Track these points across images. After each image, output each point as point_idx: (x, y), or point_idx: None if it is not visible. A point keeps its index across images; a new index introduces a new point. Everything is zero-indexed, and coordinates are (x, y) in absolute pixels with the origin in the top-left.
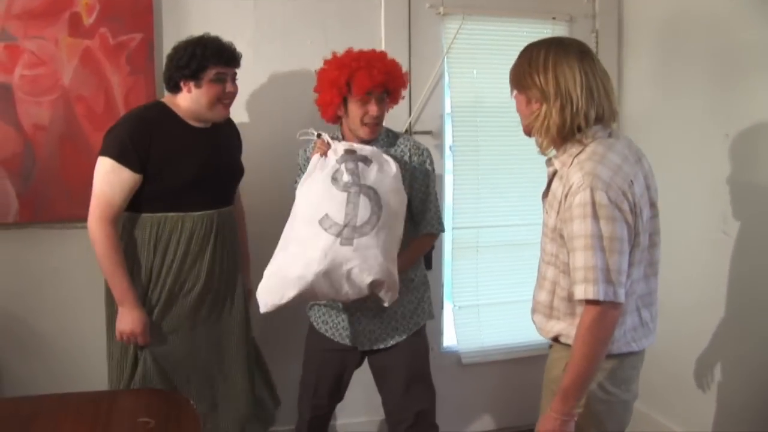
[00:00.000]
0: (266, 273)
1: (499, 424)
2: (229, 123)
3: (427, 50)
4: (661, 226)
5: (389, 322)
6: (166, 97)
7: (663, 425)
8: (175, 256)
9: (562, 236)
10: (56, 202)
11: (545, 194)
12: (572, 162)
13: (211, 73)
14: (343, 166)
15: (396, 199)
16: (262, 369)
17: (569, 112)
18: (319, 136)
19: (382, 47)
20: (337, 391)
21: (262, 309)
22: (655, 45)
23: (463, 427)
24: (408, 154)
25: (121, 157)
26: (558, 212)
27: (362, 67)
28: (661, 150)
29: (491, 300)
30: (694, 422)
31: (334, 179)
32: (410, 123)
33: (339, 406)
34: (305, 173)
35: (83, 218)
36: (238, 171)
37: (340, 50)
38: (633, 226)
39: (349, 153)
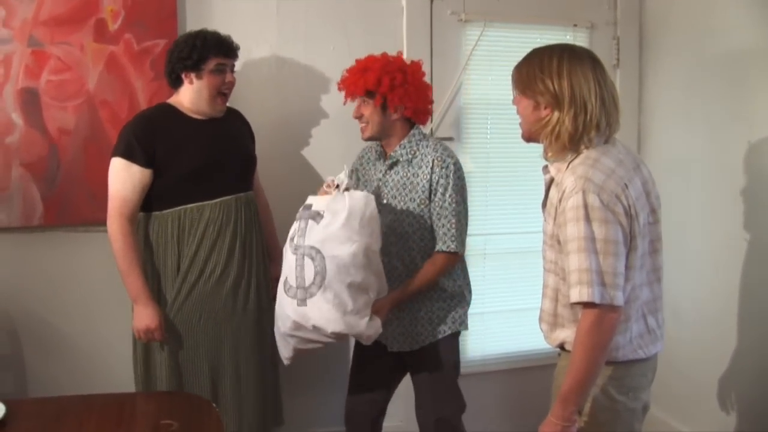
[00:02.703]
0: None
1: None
2: (237, 116)
3: (448, 56)
4: (684, 232)
5: (417, 327)
6: (172, 97)
7: None
8: (197, 245)
9: (559, 242)
10: (80, 206)
11: (544, 203)
12: (567, 167)
13: (211, 63)
14: (296, 225)
15: (347, 250)
16: (273, 382)
17: (582, 120)
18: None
19: (404, 53)
20: (372, 390)
21: (286, 362)
22: (676, 51)
23: None
24: (431, 164)
25: (127, 154)
26: (555, 218)
27: (348, 71)
28: (684, 156)
29: (498, 308)
30: (713, 430)
31: (291, 239)
32: (431, 129)
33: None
34: None
35: (106, 222)
36: (248, 159)
37: (363, 56)
38: (628, 228)
39: (306, 209)
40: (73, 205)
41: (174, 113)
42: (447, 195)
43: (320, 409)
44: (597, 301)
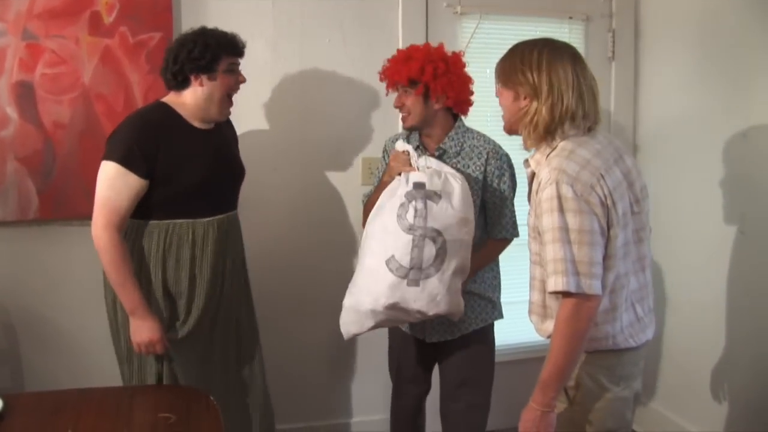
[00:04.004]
0: (344, 304)
1: (497, 425)
2: (227, 122)
3: None
4: (679, 224)
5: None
6: (169, 97)
7: (678, 425)
8: (190, 263)
9: (540, 234)
10: (76, 200)
11: (529, 196)
12: (545, 160)
13: (225, 63)
14: (410, 205)
15: (463, 229)
16: (264, 390)
17: (559, 111)
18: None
19: (400, 46)
20: (417, 378)
21: (346, 337)
22: (672, 45)
23: None
24: (485, 157)
25: (126, 161)
26: (535, 210)
27: (390, 61)
28: (680, 150)
29: None
30: (709, 422)
31: (399, 216)
32: None
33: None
34: (380, 201)
35: None
36: (240, 174)
37: (359, 49)
38: (605, 218)
39: (419, 188)
40: (68, 199)
41: (177, 121)
42: (504, 185)
43: (313, 402)
44: (572, 290)
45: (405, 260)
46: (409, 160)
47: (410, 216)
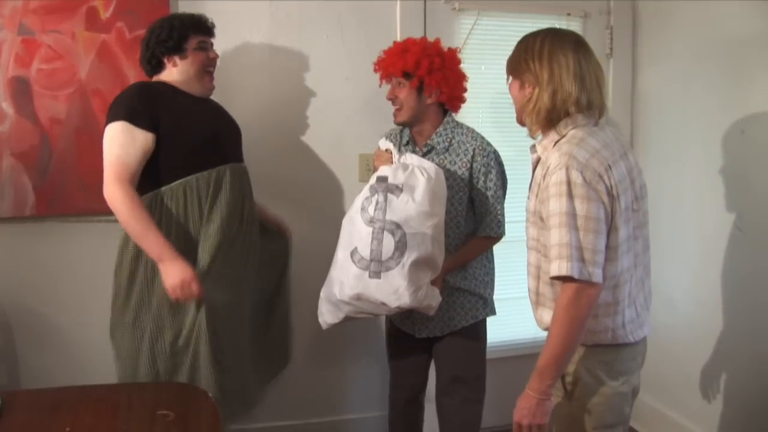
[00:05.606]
0: (321, 295)
1: (492, 422)
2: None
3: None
4: (676, 221)
5: (446, 312)
6: (156, 78)
7: (677, 422)
8: (209, 204)
9: (542, 219)
10: (72, 196)
11: (531, 182)
12: (553, 147)
13: (193, 42)
14: (373, 198)
15: (426, 223)
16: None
17: (560, 97)
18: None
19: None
20: (411, 371)
21: (323, 327)
22: (670, 41)
23: None
24: (472, 153)
25: (129, 117)
26: (537, 195)
27: (386, 52)
28: (677, 146)
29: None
30: (708, 419)
31: (363, 209)
32: None
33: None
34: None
35: (99, 211)
36: (239, 129)
37: (356, 45)
38: (610, 208)
39: (381, 182)
40: (65, 195)
41: (172, 88)
42: (491, 182)
43: (311, 399)
44: (576, 275)
45: (366, 252)
46: (392, 158)
47: (371, 209)
